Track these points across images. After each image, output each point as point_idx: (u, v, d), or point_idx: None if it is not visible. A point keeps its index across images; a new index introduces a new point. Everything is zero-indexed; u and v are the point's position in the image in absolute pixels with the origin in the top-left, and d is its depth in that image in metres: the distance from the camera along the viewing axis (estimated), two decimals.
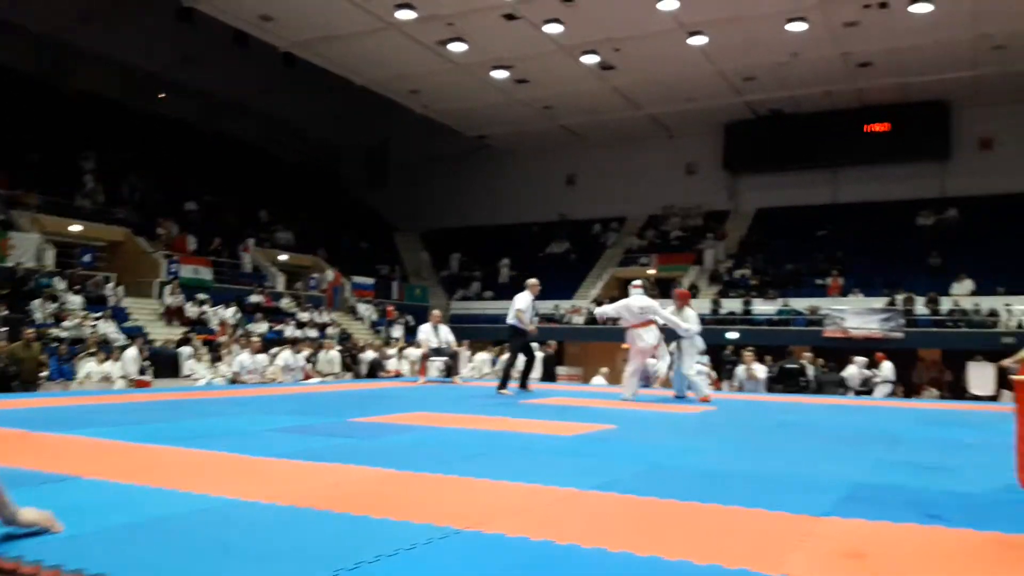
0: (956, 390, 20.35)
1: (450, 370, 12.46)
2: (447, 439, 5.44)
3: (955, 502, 3.29)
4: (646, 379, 12.70)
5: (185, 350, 14.74)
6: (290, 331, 19.92)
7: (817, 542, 2.63)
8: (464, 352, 14.13)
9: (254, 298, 21.71)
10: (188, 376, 13.99)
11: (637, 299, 9.29)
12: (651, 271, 27.74)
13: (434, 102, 27.79)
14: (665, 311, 9.28)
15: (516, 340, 10.12)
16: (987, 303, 21.54)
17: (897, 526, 2.84)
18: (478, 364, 16.76)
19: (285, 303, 22.86)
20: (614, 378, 14.64)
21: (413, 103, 27.94)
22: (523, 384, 10.27)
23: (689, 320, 9.28)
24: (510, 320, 10.09)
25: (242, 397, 8.92)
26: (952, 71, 23.64)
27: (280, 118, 31.21)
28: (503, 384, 9.84)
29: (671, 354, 9.51)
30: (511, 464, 4.27)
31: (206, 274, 21.56)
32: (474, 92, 26.35)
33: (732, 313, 23.91)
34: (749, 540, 2.66)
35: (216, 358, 14.89)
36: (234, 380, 11.79)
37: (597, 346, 24.65)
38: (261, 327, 19.41)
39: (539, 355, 12.44)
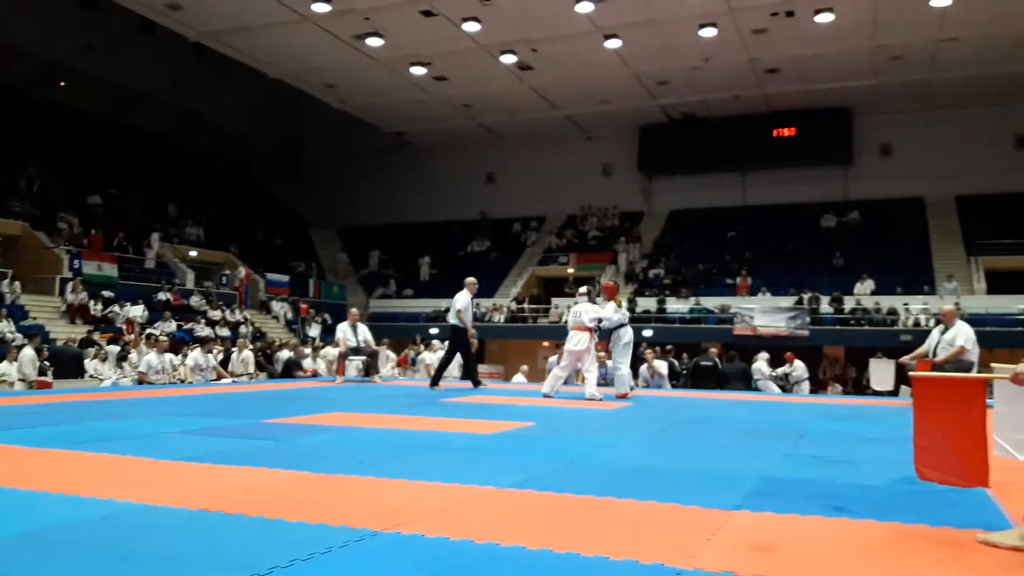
0: (859, 386, 21.37)
1: (368, 369, 12.30)
2: (364, 440, 5.36)
3: (858, 494, 3.44)
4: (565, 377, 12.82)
5: (89, 350, 14.07)
6: (201, 329, 19.28)
7: (728, 535, 2.71)
8: (384, 351, 13.96)
9: (162, 295, 20.92)
10: (92, 377, 13.36)
11: (584, 305, 9.48)
12: (570, 270, 28.09)
13: (351, 97, 27.38)
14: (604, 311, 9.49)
15: (458, 338, 10.45)
16: (887, 302, 22.64)
17: (804, 519, 2.94)
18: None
19: (195, 301, 22.10)
20: (534, 376, 14.73)
21: (329, 97, 27.46)
22: (474, 380, 10.56)
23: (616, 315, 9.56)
24: (451, 319, 10.47)
25: (150, 398, 8.58)
26: (854, 79, 24.76)
27: (190, 110, 30.12)
28: (435, 381, 10.26)
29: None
30: (429, 464, 4.24)
31: (111, 270, 20.64)
32: (392, 88, 26.09)
33: (647, 311, 24.42)
34: (663, 535, 2.72)
35: (122, 357, 14.28)
36: (141, 381, 11.31)
37: (517, 344, 24.81)
38: (170, 326, 18.72)
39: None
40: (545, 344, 24.07)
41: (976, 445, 2.52)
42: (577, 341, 9.22)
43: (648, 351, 14.46)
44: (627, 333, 9.67)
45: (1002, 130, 26.51)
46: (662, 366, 14.05)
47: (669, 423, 6.62)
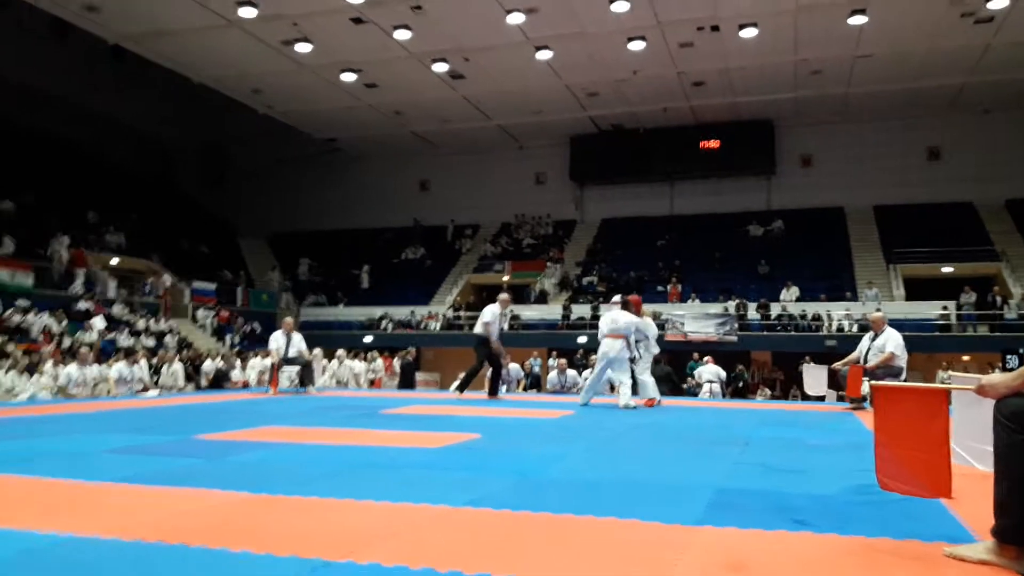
0: (785, 389, 21.97)
1: (303, 380, 11.97)
2: (305, 456, 5.13)
3: (815, 506, 3.44)
4: (507, 383, 12.89)
5: (3, 361, 13.25)
6: (124, 340, 18.48)
7: (697, 554, 2.65)
8: (319, 361, 13.62)
9: (82, 305, 19.96)
10: (8, 392, 12.60)
11: (618, 313, 9.61)
12: (505, 278, 28.09)
13: (279, 103, 26.81)
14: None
15: (482, 349, 10.62)
16: (811, 308, 23.36)
17: (768, 534, 2.91)
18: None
19: (117, 310, 21.18)
20: (474, 384, 14.60)
21: (256, 103, 26.81)
22: (492, 391, 10.78)
23: (649, 327, 9.96)
24: (477, 329, 10.73)
25: (71, 413, 8.11)
26: (776, 93, 25.57)
27: (109, 115, 28.93)
28: (462, 388, 10.59)
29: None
30: (377, 482, 4.07)
31: (24, 279, 19.60)
32: (322, 95, 25.66)
33: (581, 318, 24.58)
34: (631, 555, 2.64)
35: (32, 369, 13.52)
36: (60, 394, 10.72)
37: (453, 351, 24.59)
38: (91, 336, 17.87)
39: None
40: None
41: (939, 456, 2.54)
42: (610, 348, 9.28)
43: (560, 360, 14.82)
44: (654, 344, 10.04)
45: (915, 143, 27.77)
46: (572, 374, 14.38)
47: (613, 432, 6.60)
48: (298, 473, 4.31)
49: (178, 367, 13.19)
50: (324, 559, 2.59)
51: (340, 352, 18.09)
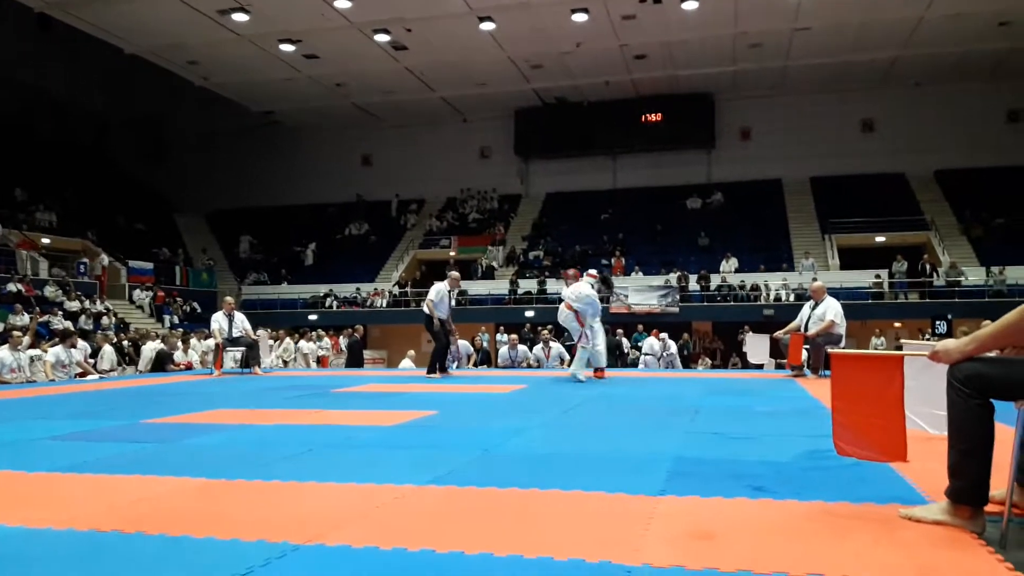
0: (725, 358, 22.50)
1: (248, 360, 11.75)
2: (260, 438, 5.04)
3: (771, 472, 3.53)
4: (457, 360, 12.86)
5: None
6: (58, 322, 17.85)
7: (663, 524, 2.70)
8: (264, 340, 13.38)
9: (12, 286, 19.19)
10: None
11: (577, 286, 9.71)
12: (452, 253, 27.98)
13: (215, 74, 26.02)
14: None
15: (431, 327, 10.46)
16: (750, 279, 23.89)
17: (730, 501, 2.98)
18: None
19: (50, 291, 20.42)
20: (422, 360, 14.57)
21: (192, 75, 25.98)
22: (431, 369, 10.59)
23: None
24: (426, 309, 10.56)
25: (6, 400, 7.82)
26: (716, 66, 25.89)
27: (36, 87, 27.65)
28: (432, 369, 10.43)
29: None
30: (337, 462, 4.03)
31: None
32: (260, 66, 25.00)
33: (528, 293, 24.69)
34: (599, 527, 2.68)
35: None
36: None
37: (400, 328, 24.50)
38: (22, 319, 17.22)
39: None
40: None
41: (894, 421, 2.64)
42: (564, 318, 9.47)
43: (512, 336, 14.91)
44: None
45: (850, 115, 28.49)
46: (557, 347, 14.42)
47: (567, 405, 6.66)
48: (256, 456, 4.24)
49: (108, 349, 12.73)
50: (293, 543, 2.56)
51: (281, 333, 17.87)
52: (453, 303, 11.16)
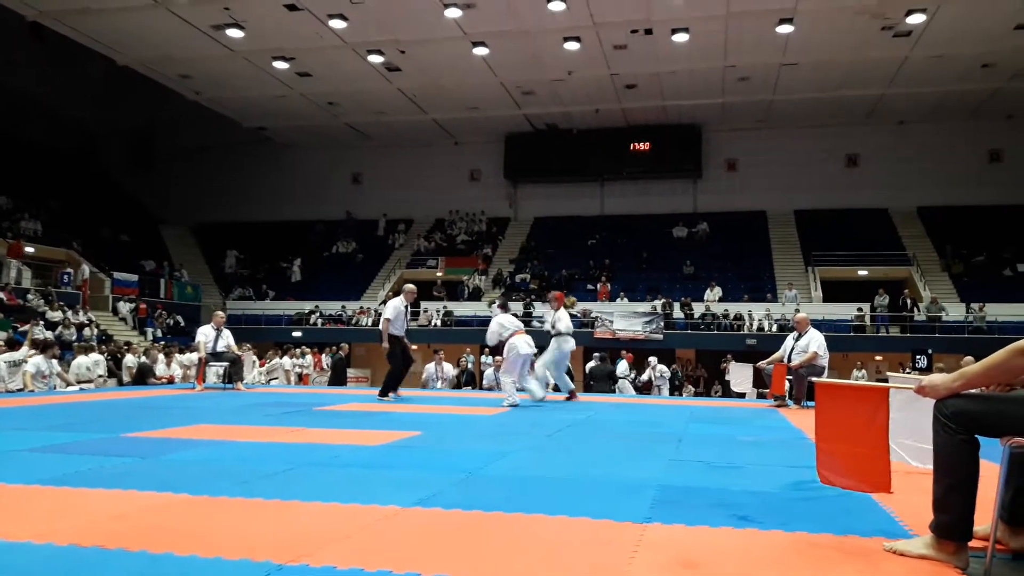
0: (708, 386, 22.55)
1: (231, 376, 11.66)
2: (242, 455, 5.01)
3: (756, 502, 3.54)
4: (442, 380, 12.76)
5: None
6: (39, 332, 17.64)
7: (650, 552, 2.70)
8: (248, 356, 13.29)
9: None
10: None
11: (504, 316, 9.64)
12: (439, 274, 27.98)
13: (207, 89, 26.05)
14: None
15: (392, 347, 9.82)
16: (734, 308, 24.02)
17: (715, 531, 2.99)
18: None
19: (32, 301, 20.20)
20: (405, 382, 14.49)
21: (184, 88, 25.99)
22: (384, 391, 9.84)
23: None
24: (381, 326, 9.87)
25: None
26: (704, 97, 26.20)
27: (27, 94, 27.54)
28: (384, 392, 9.70)
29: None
30: (321, 481, 4.01)
31: None
32: (252, 82, 25.06)
33: (515, 315, 24.61)
34: (586, 554, 2.68)
35: None
36: None
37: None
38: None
39: None
40: (414, 347, 23.80)
41: (879, 452, 2.66)
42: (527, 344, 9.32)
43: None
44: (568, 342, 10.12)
45: (835, 150, 28.88)
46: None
47: (551, 428, 6.65)
48: (239, 473, 4.20)
49: (85, 359, 12.53)
50: (276, 562, 2.53)
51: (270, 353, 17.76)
52: (408, 319, 10.37)
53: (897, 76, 23.66)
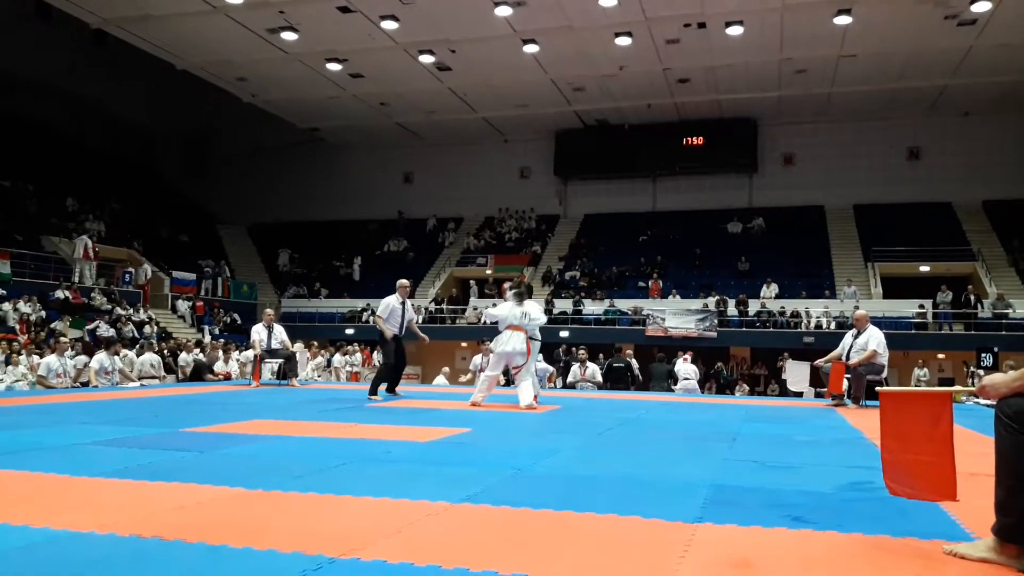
0: (764, 385, 22.16)
1: (286, 372, 11.88)
2: (296, 450, 5.10)
3: (811, 503, 3.47)
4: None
5: None
6: (105, 330, 18.27)
7: (701, 552, 2.66)
8: (302, 353, 13.53)
9: (60, 293, 19.69)
10: None
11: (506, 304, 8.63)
12: (488, 271, 28.07)
13: (263, 91, 26.59)
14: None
15: (384, 344, 9.59)
16: (790, 306, 23.55)
17: (769, 531, 2.94)
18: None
19: (96, 299, 20.92)
20: (455, 376, 14.59)
21: (240, 91, 26.58)
22: (373, 391, 9.45)
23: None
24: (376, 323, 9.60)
25: (52, 404, 8.01)
26: (760, 91, 25.71)
27: (89, 99, 28.55)
28: (374, 390, 9.35)
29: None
30: (372, 476, 4.06)
31: (2, 267, 19.33)
32: (306, 83, 25.49)
33: (564, 313, 24.63)
34: (635, 553, 2.66)
35: (8, 359, 13.32)
36: (40, 384, 10.57)
37: (434, 345, 24.49)
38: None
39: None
40: (463, 345, 23.95)
41: (944, 459, 2.58)
42: (507, 341, 8.28)
43: (581, 351, 14.62)
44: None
45: (895, 142, 28.08)
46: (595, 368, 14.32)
47: (601, 427, 6.62)
48: (292, 467, 4.28)
49: (146, 357, 12.92)
50: (328, 555, 2.57)
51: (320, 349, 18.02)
52: (410, 315, 10.02)
53: (961, 66, 22.87)
